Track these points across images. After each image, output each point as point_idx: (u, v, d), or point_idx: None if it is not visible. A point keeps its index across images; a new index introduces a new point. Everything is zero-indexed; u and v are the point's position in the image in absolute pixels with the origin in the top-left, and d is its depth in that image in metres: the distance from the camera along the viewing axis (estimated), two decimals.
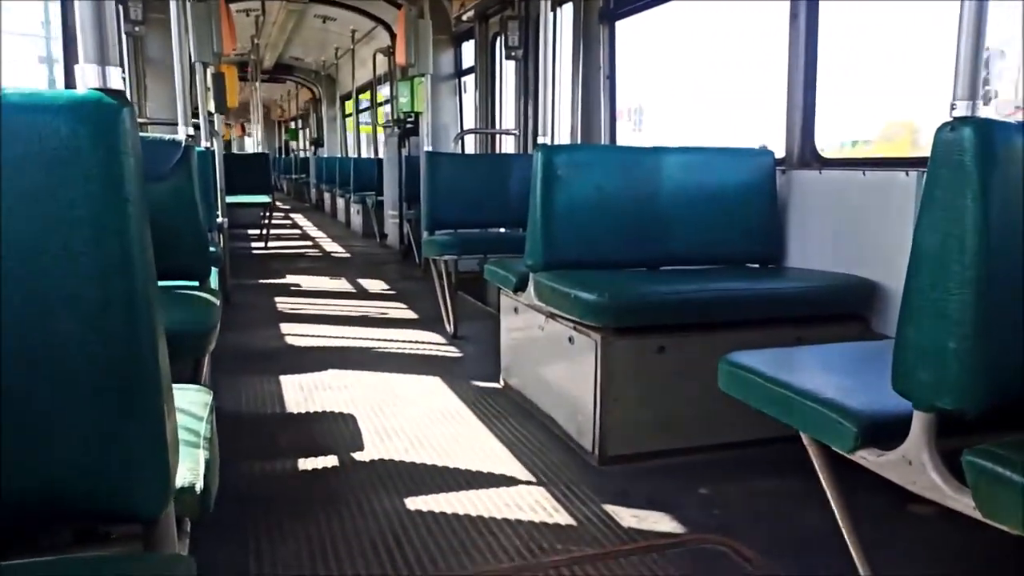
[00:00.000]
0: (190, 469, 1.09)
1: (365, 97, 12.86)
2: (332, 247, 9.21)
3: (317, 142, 16.29)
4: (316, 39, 11.79)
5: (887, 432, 1.42)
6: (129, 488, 0.95)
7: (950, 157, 1.33)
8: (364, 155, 13.04)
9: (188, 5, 4.77)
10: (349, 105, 14.72)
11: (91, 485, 0.94)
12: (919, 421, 1.36)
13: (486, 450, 2.72)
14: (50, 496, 0.94)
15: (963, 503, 1.27)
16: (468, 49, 7.55)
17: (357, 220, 10.69)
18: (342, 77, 13.76)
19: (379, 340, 4.40)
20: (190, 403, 1.34)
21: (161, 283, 2.38)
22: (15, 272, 0.89)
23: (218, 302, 2.24)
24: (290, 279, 6.68)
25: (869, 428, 1.44)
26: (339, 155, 15.06)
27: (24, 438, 0.92)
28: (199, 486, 1.07)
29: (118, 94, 0.95)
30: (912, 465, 1.36)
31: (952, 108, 1.37)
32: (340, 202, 12.46)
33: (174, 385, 1.42)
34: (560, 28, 5.50)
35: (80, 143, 0.90)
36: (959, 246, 1.30)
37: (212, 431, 1.28)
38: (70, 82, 3.81)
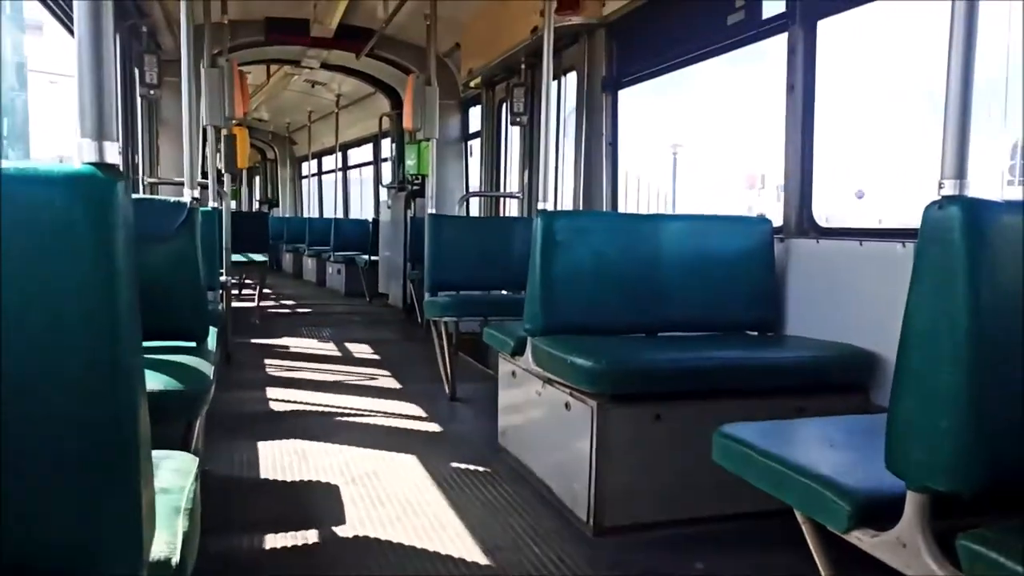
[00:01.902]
0: (167, 542, 1.07)
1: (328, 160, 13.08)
2: (322, 306, 9.19)
3: (272, 202, 16.45)
4: (293, 102, 12.02)
5: (881, 512, 1.40)
6: (100, 560, 0.93)
7: (938, 235, 1.34)
8: (327, 215, 13.22)
9: (202, 70, 4.91)
10: (305, 167, 14.91)
11: (62, 556, 0.93)
12: (913, 502, 1.34)
13: (478, 518, 2.67)
14: (20, 564, 0.93)
15: None
16: (475, 113, 7.72)
17: (337, 280, 10.71)
18: (302, 140, 13.98)
19: (377, 401, 4.37)
20: (175, 470, 1.33)
21: (157, 343, 2.39)
22: (2, 339, 0.90)
23: (212, 365, 2.24)
24: (291, 337, 6.68)
25: (863, 508, 1.41)
26: (294, 215, 15.29)
27: None
28: (175, 560, 1.05)
29: (113, 168, 0.98)
30: (906, 548, 1.33)
31: (940, 187, 1.38)
32: (308, 262, 12.45)
33: (160, 451, 1.42)
34: (564, 95, 5.63)
35: (73, 217, 0.92)
36: (949, 324, 1.30)
37: (195, 501, 1.26)
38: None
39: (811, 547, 1.60)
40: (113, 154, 0.99)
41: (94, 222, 0.92)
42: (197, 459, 1.43)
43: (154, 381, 1.91)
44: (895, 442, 1.36)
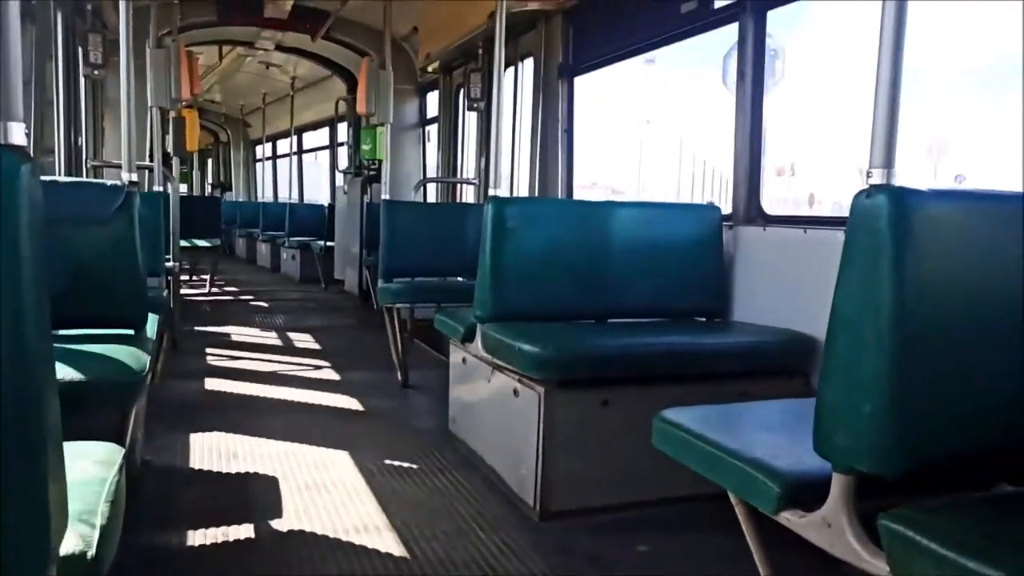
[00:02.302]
0: (82, 535, 1.04)
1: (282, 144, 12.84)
2: (276, 292, 9.06)
3: (225, 186, 16.17)
4: (247, 84, 11.78)
5: (809, 494, 1.43)
6: (5, 555, 0.90)
7: (866, 223, 1.36)
8: (281, 199, 13.00)
9: (147, 51, 4.77)
10: (259, 150, 14.71)
11: None
12: (838, 483, 1.36)
13: (425, 505, 2.67)
14: None
15: (879, 567, 1.27)
16: (433, 98, 7.65)
17: (291, 265, 10.56)
18: (257, 122, 13.75)
19: (327, 388, 4.33)
20: (97, 462, 1.30)
21: (93, 331, 2.33)
22: None
23: (149, 353, 2.19)
24: (243, 324, 6.57)
25: (792, 490, 1.44)
26: (248, 199, 15.05)
27: None
28: (90, 553, 1.02)
29: (18, 150, 0.94)
30: (831, 527, 1.36)
31: (868, 176, 1.41)
32: (262, 247, 12.25)
33: (85, 442, 1.38)
34: (522, 82, 5.61)
35: None
36: (874, 311, 1.33)
37: (118, 493, 1.23)
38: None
39: (743, 528, 1.63)
40: (19, 135, 0.95)
41: None
42: (123, 449, 1.39)
43: (84, 369, 1.86)
44: (822, 425, 1.39)
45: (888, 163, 1.38)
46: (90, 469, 1.25)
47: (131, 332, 2.40)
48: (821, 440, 1.39)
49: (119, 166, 2.94)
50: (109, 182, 2.56)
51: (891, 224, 1.33)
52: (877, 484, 1.37)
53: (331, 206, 9.33)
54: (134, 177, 2.77)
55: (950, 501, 1.27)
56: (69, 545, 1.00)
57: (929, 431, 1.35)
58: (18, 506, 0.89)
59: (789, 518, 1.45)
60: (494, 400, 2.96)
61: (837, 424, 1.35)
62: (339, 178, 8.92)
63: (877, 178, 1.38)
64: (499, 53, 3.30)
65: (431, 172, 7.67)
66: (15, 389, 0.91)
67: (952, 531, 1.15)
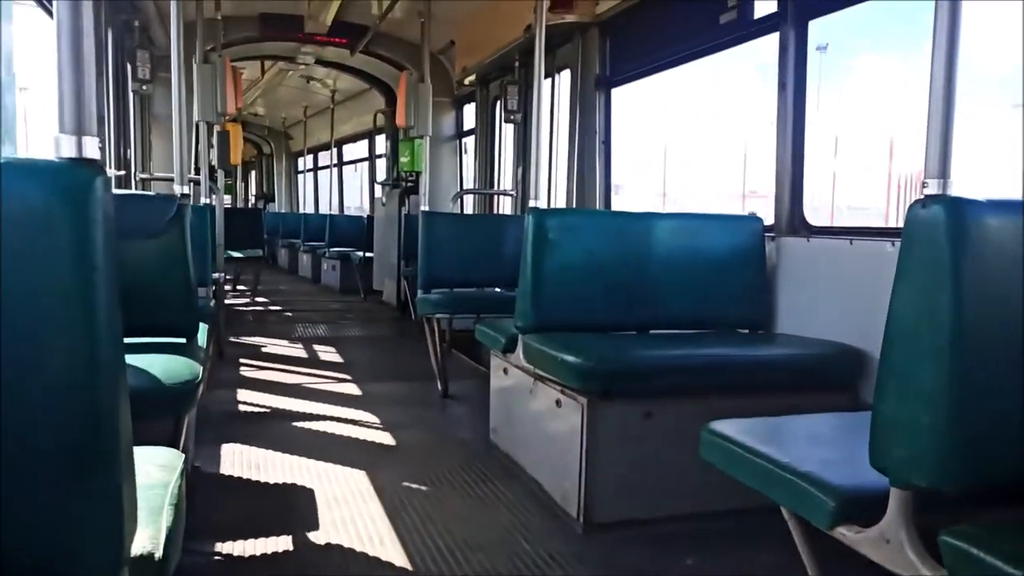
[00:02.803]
0: (151, 537, 1.07)
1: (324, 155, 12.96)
2: (316, 302, 9.16)
3: (268, 197, 16.37)
4: (288, 97, 11.98)
5: (866, 509, 1.41)
6: (82, 555, 0.93)
7: (922, 234, 1.35)
8: (323, 211, 13.12)
9: (194, 66, 4.89)
10: (300, 162, 14.93)
11: (43, 552, 0.93)
12: (896, 498, 1.34)
13: (468, 515, 2.67)
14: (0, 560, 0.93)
15: None
16: (469, 111, 7.71)
17: (332, 276, 10.67)
18: (298, 135, 13.91)
19: (368, 398, 4.37)
20: (160, 466, 1.33)
21: (147, 339, 2.39)
22: None
23: (201, 362, 2.24)
24: (285, 334, 6.67)
25: (847, 504, 1.42)
26: (290, 210, 15.25)
27: None
28: (158, 555, 1.05)
29: (93, 163, 0.98)
30: (890, 544, 1.34)
31: (924, 186, 1.39)
32: (304, 258, 12.40)
33: (146, 447, 1.42)
34: (559, 93, 5.63)
35: (51, 211, 0.92)
36: (932, 322, 1.31)
37: (180, 496, 1.26)
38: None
39: (796, 543, 1.60)
40: (93, 149, 0.99)
41: (73, 217, 0.92)
42: (183, 455, 1.43)
43: (142, 377, 1.90)
44: (878, 439, 1.37)
45: (944, 173, 1.37)
46: (153, 473, 1.28)
47: (183, 341, 2.46)
48: (878, 454, 1.37)
49: (169, 179, 3.02)
50: (162, 194, 2.62)
51: (948, 235, 1.31)
52: (936, 499, 1.35)
53: (370, 217, 9.44)
54: (186, 190, 2.85)
55: (1015, 517, 1.24)
56: (138, 546, 1.03)
57: (990, 444, 1.32)
58: (96, 508, 0.92)
59: (845, 533, 1.43)
60: (536, 411, 2.97)
61: (894, 438, 1.33)
62: (377, 190, 9.03)
63: (933, 188, 1.37)
64: (539, 65, 3.32)
65: (468, 184, 7.73)
66: (90, 395, 0.94)
67: (1019, 549, 1.13)
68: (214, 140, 5.72)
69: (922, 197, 1.36)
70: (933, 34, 1.35)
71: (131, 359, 2.08)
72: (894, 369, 1.35)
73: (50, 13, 4.05)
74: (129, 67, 5.30)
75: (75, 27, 0.97)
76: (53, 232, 0.92)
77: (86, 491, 0.92)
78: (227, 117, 5.40)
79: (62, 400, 0.92)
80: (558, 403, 2.75)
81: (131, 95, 5.37)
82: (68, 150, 0.97)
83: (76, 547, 0.92)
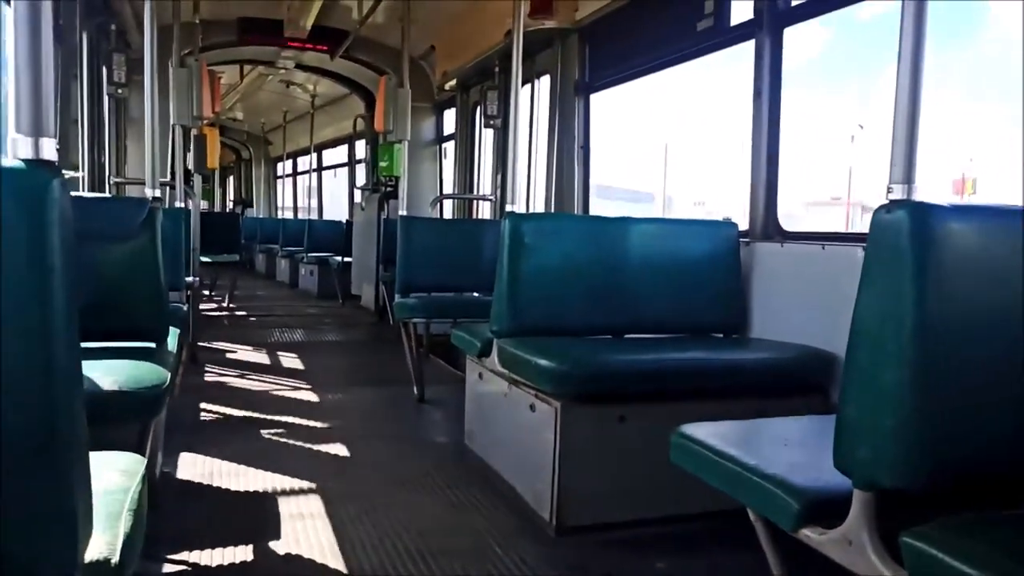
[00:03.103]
0: (107, 543, 1.05)
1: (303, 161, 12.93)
2: (294, 307, 9.11)
3: (246, 202, 16.28)
4: (268, 102, 11.93)
5: (830, 510, 1.42)
6: (33, 560, 0.92)
7: (887, 238, 1.36)
8: (300, 216, 13.11)
9: (170, 69, 4.85)
10: (280, 167, 14.86)
11: None
12: (859, 500, 1.35)
13: (441, 519, 2.66)
14: None
15: None
16: (449, 116, 7.72)
17: (310, 281, 10.62)
18: (277, 140, 13.86)
19: (344, 402, 4.35)
20: (121, 472, 1.31)
21: (115, 344, 2.36)
22: None
23: (170, 368, 2.21)
24: (261, 339, 6.62)
25: (812, 506, 1.43)
26: (268, 215, 15.18)
27: None
28: (114, 560, 1.03)
29: (49, 165, 0.96)
30: (852, 545, 1.35)
31: (888, 191, 1.41)
32: (282, 263, 12.34)
33: (108, 452, 1.40)
34: (538, 99, 5.65)
35: (6, 214, 0.91)
36: (896, 325, 1.33)
37: (140, 503, 1.24)
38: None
39: (763, 545, 1.61)
40: (50, 150, 0.97)
41: (27, 219, 0.91)
42: (144, 460, 1.41)
43: (108, 381, 1.88)
44: (842, 440, 1.38)
45: (908, 178, 1.38)
46: (114, 479, 1.26)
47: (152, 345, 2.43)
48: (842, 455, 1.38)
49: (142, 183, 2.99)
50: (134, 198, 2.60)
51: (912, 239, 1.33)
52: (899, 501, 1.36)
53: (349, 222, 9.40)
54: (157, 193, 2.82)
55: (975, 518, 1.26)
56: (94, 552, 1.01)
57: (952, 446, 1.34)
58: (47, 513, 0.91)
59: (809, 535, 1.43)
60: (510, 415, 2.96)
61: (858, 439, 1.35)
62: (357, 194, 9.00)
63: (897, 193, 1.38)
64: (516, 71, 3.33)
65: (447, 188, 7.72)
66: (44, 399, 0.93)
67: (977, 550, 1.14)
68: (190, 144, 5.67)
69: (887, 202, 1.38)
70: (899, 38, 1.37)
71: (98, 363, 2.05)
72: (858, 371, 1.36)
73: None
74: (104, 70, 5.24)
75: (33, 24, 0.96)
76: (8, 234, 0.90)
77: (39, 495, 0.91)
78: (204, 121, 5.36)
79: (14, 404, 0.90)
80: (532, 407, 2.75)
81: (106, 98, 5.31)
82: (24, 151, 0.95)
83: (29, 551, 0.91)
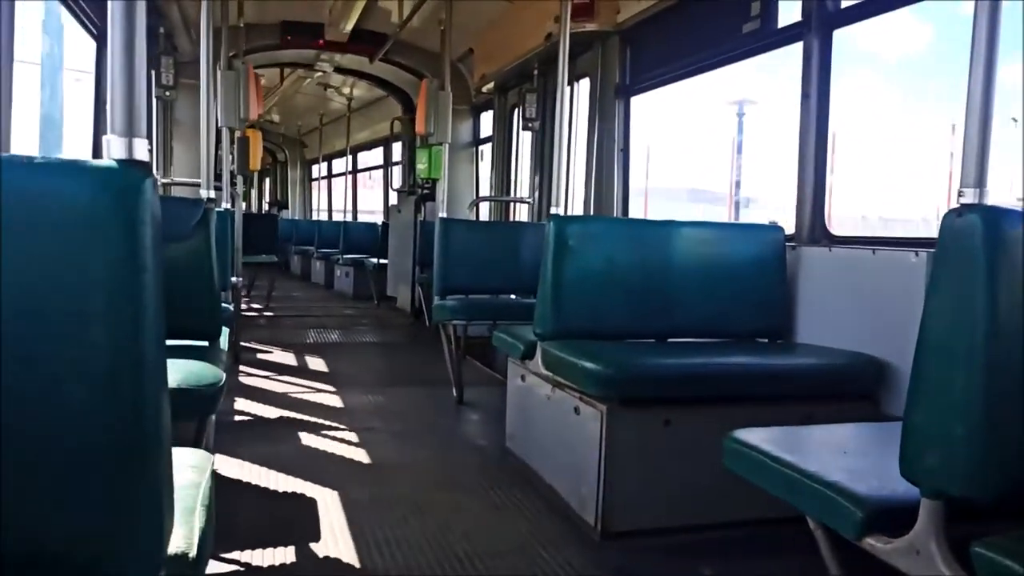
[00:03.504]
0: (184, 536, 1.08)
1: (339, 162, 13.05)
2: (330, 308, 9.19)
3: (281, 204, 16.44)
4: (305, 104, 12.05)
5: (895, 519, 1.39)
6: (123, 553, 0.94)
7: (958, 243, 1.34)
8: (336, 218, 13.23)
9: (218, 73, 4.94)
10: (315, 169, 15.00)
11: (85, 548, 0.93)
12: (927, 509, 1.33)
13: (485, 521, 2.67)
14: (43, 555, 0.93)
15: None
16: (487, 118, 7.74)
17: (345, 282, 10.71)
18: (313, 142, 13.96)
19: (384, 404, 4.38)
20: (191, 467, 1.34)
21: (170, 342, 2.40)
22: (22, 333, 0.91)
23: (224, 365, 2.25)
24: (299, 339, 6.70)
25: (876, 514, 1.41)
26: (303, 217, 15.32)
27: (22, 499, 0.92)
28: (192, 554, 1.05)
29: (142, 165, 0.99)
30: (920, 555, 1.33)
31: (960, 195, 1.38)
32: (317, 264, 12.45)
33: (176, 448, 1.43)
34: (577, 102, 5.64)
35: (101, 211, 0.93)
36: (967, 331, 1.30)
37: (210, 498, 1.27)
38: (97, 150, 3.91)
39: (823, 553, 1.59)
40: (142, 151, 1.00)
41: (123, 217, 0.93)
42: (212, 456, 1.44)
43: (170, 379, 1.92)
44: (910, 448, 1.36)
45: (980, 182, 1.36)
46: (186, 474, 1.29)
47: (206, 344, 2.48)
48: (909, 463, 1.36)
49: (191, 184, 3.05)
50: (189, 198, 2.65)
51: (984, 244, 1.30)
52: (968, 510, 1.33)
53: (385, 224, 9.47)
54: (212, 194, 2.87)
55: None
56: (174, 546, 1.04)
57: (1022, 454, 1.31)
58: (137, 507, 0.93)
59: (873, 544, 1.41)
60: (554, 418, 2.96)
61: (927, 447, 1.32)
62: (392, 196, 9.06)
63: (969, 197, 1.36)
64: (563, 72, 3.33)
65: (484, 191, 7.75)
66: (134, 395, 0.95)
67: None
68: (233, 146, 5.76)
69: (957, 206, 1.35)
70: (972, 42, 1.35)
71: None
72: (927, 379, 1.34)
73: (87, 29, 4.12)
74: (153, 73, 5.35)
75: (128, 29, 0.98)
76: (103, 231, 0.93)
77: (129, 490, 0.93)
78: (247, 123, 5.44)
79: (107, 398, 0.92)
80: (576, 410, 2.74)
81: (154, 100, 5.42)
82: (118, 151, 0.98)
83: (118, 546, 0.93)
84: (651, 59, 4.80)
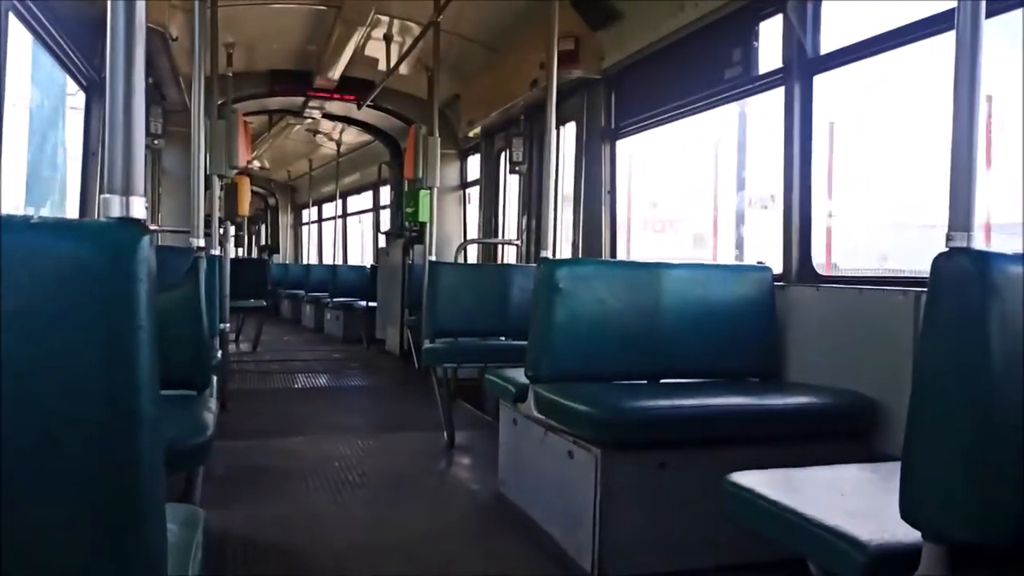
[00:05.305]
0: None
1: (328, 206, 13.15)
2: (319, 351, 9.13)
3: (272, 248, 16.48)
4: (294, 150, 12.17)
5: (897, 563, 1.38)
6: None
7: (949, 286, 1.36)
8: (326, 262, 13.34)
9: (202, 120, 4.97)
10: (305, 214, 15.09)
11: None
12: (929, 553, 1.32)
13: (479, 568, 2.63)
14: None
15: None
16: (474, 162, 7.82)
17: (335, 326, 10.68)
18: (303, 187, 14.08)
19: (374, 449, 4.32)
20: (181, 524, 1.31)
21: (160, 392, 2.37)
22: (18, 391, 0.90)
23: (214, 414, 2.22)
24: (287, 383, 6.63)
25: (878, 558, 1.39)
26: (294, 261, 15.36)
27: (16, 556, 0.89)
28: None
29: (138, 223, 0.99)
30: None
31: (948, 239, 1.40)
32: (307, 308, 12.44)
33: (166, 504, 1.40)
34: (563, 145, 5.71)
35: (98, 270, 0.93)
36: (962, 373, 1.31)
37: (205, 555, 1.24)
38: (86, 203, 3.86)
39: None
40: (139, 209, 1.00)
41: (120, 275, 0.93)
42: (202, 512, 1.41)
43: None
44: (910, 492, 1.35)
45: (967, 226, 1.38)
46: (176, 531, 1.26)
47: (194, 394, 2.45)
48: (909, 507, 1.35)
49: (180, 232, 3.05)
50: (179, 247, 2.64)
51: (976, 286, 1.32)
52: (971, 554, 1.32)
53: (374, 267, 9.47)
54: (202, 242, 2.87)
55: None
56: None
57: None
58: (135, 563, 0.91)
59: None
60: (548, 462, 2.93)
61: (927, 490, 1.32)
62: (381, 240, 9.08)
63: (958, 241, 1.37)
64: (550, 119, 3.38)
65: (471, 233, 7.78)
66: (129, 454, 0.93)
67: None
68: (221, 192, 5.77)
69: (946, 249, 1.37)
70: (954, 83, 1.38)
71: None
72: (924, 422, 1.34)
73: (79, 83, 4.14)
74: None
75: (128, 92, 0.99)
76: (100, 288, 0.92)
77: (125, 544, 0.91)
78: (235, 170, 5.46)
79: (103, 453, 0.91)
80: (570, 454, 2.72)
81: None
82: (116, 210, 0.98)
83: None
84: (635, 104, 4.88)
